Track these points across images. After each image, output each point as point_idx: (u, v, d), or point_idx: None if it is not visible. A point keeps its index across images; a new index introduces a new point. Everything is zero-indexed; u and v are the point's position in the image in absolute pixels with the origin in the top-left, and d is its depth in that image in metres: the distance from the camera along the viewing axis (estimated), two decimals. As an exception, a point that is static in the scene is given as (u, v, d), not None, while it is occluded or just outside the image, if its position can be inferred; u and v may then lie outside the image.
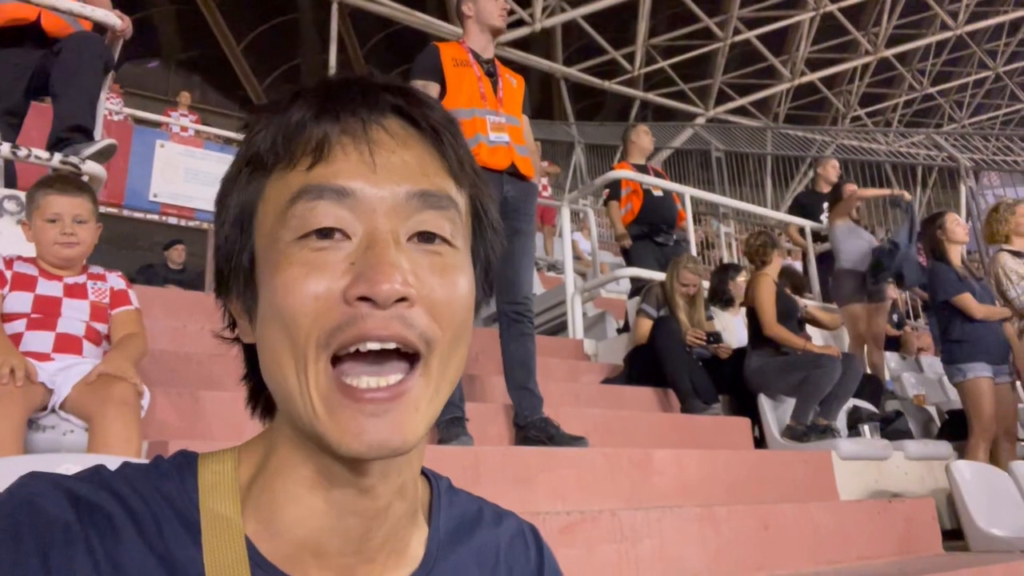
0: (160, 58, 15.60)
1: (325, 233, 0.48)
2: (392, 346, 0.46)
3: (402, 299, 0.46)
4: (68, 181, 2.24)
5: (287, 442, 0.52)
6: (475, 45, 2.92)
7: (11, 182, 2.97)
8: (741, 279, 4.46)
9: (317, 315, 0.46)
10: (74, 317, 2.08)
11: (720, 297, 4.47)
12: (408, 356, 0.47)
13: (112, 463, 0.53)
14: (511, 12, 13.64)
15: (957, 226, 4.04)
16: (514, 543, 0.64)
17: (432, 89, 2.74)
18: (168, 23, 15.31)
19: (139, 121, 8.27)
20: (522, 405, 2.80)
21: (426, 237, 0.50)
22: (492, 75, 2.87)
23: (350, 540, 0.52)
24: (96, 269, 2.24)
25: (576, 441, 2.69)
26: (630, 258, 5.16)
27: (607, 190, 5.34)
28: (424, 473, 0.61)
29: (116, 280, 2.24)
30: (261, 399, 0.58)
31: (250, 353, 0.56)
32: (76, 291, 2.13)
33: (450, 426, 2.59)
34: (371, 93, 0.51)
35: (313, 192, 0.48)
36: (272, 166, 0.50)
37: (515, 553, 0.63)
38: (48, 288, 2.09)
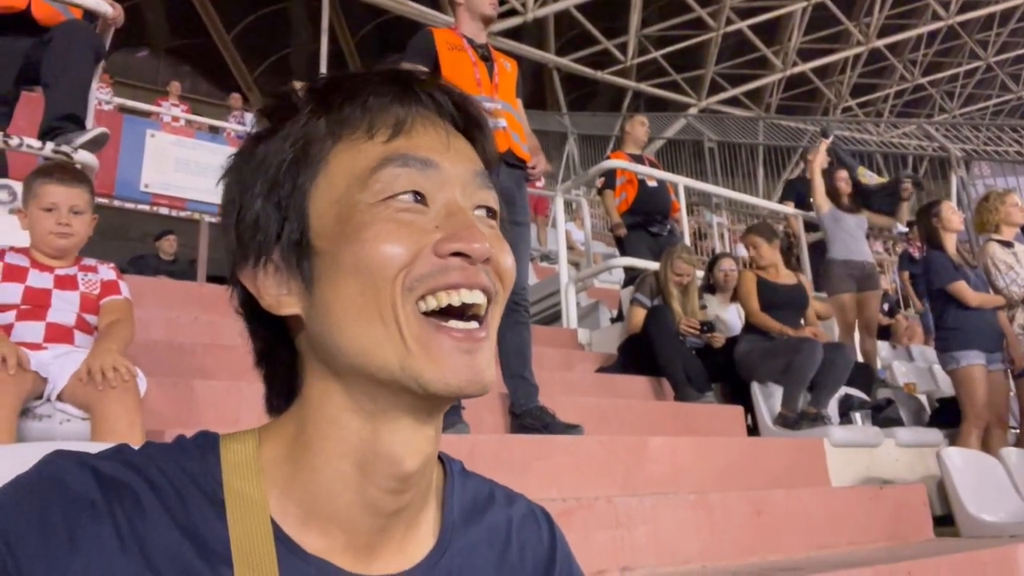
0: (149, 47, 15.47)
1: (412, 198, 0.52)
2: (479, 299, 0.51)
3: (486, 260, 0.51)
4: (67, 171, 2.22)
5: (332, 414, 0.52)
6: (468, 32, 2.91)
7: (2, 171, 2.95)
8: (727, 265, 4.51)
9: (408, 264, 0.50)
10: (64, 308, 2.07)
11: (708, 286, 4.50)
12: (474, 318, 0.51)
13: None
14: (503, 1, 13.60)
15: (953, 215, 4.06)
16: (525, 524, 0.65)
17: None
18: (157, 11, 15.16)
19: (129, 111, 8.21)
20: (518, 393, 2.80)
21: (488, 211, 0.55)
22: (487, 59, 2.86)
23: (378, 515, 0.53)
24: (88, 261, 2.24)
25: (571, 429, 2.70)
26: (624, 247, 5.17)
27: (602, 179, 5.34)
28: (438, 455, 0.62)
29: (107, 271, 2.23)
30: (281, 382, 0.58)
31: (273, 331, 0.56)
32: (66, 283, 2.12)
33: (446, 414, 2.59)
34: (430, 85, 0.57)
35: (399, 160, 0.52)
36: (341, 136, 0.53)
37: (527, 533, 0.64)
38: (39, 280, 2.08)
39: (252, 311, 0.56)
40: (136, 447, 0.52)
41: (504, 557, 0.61)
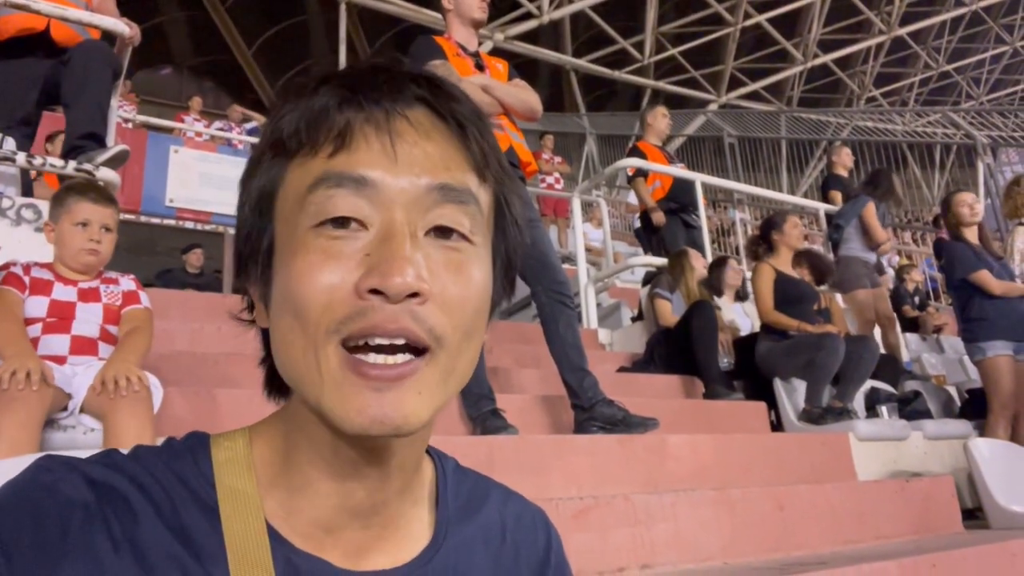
0: (172, 64, 15.74)
1: (342, 222, 0.48)
2: (400, 341, 0.47)
3: (414, 295, 0.46)
4: (99, 190, 2.27)
5: (301, 422, 0.53)
6: (460, 38, 2.92)
7: (27, 191, 3.02)
8: (734, 267, 4.50)
9: (328, 305, 0.46)
10: (88, 320, 2.12)
11: (712, 287, 4.48)
12: (417, 350, 0.48)
13: None
14: (518, 5, 13.63)
15: (961, 208, 4.00)
16: (521, 524, 0.64)
17: (448, 67, 2.72)
18: (179, 29, 15.44)
19: (154, 128, 8.35)
20: (584, 386, 2.72)
21: (443, 232, 0.50)
22: (481, 68, 2.88)
23: (358, 516, 0.53)
24: (110, 273, 2.28)
25: (648, 423, 2.64)
26: (662, 235, 5.11)
27: (632, 168, 5.26)
28: (430, 453, 0.62)
29: (128, 282, 2.27)
30: (276, 381, 0.59)
31: (267, 337, 0.57)
32: (89, 295, 2.16)
33: (490, 418, 2.59)
34: (397, 82, 0.51)
35: (332, 180, 0.48)
36: (294, 152, 0.50)
37: (522, 533, 0.64)
38: (63, 293, 2.13)
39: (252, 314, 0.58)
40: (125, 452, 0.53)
41: (499, 556, 0.61)
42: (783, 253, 4.03)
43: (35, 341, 2.03)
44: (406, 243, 0.47)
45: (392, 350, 0.47)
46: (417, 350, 0.47)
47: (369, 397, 0.46)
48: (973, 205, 4.00)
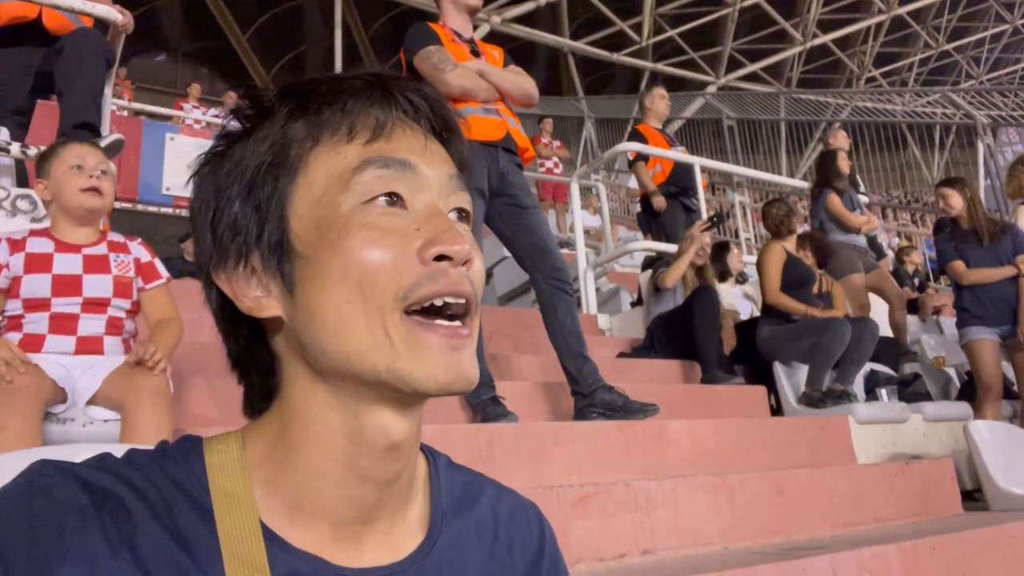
0: (167, 51, 15.65)
1: (392, 200, 0.52)
2: (463, 301, 0.51)
3: (466, 261, 0.52)
4: (88, 140, 2.18)
5: (307, 419, 0.53)
6: (454, 25, 2.87)
7: (22, 181, 3.01)
8: (735, 253, 4.49)
9: (396, 273, 0.50)
10: (95, 303, 2.00)
11: (719, 272, 4.48)
12: (461, 316, 0.52)
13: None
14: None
15: (949, 199, 4.04)
16: (515, 518, 0.65)
17: (444, 52, 2.68)
18: (173, 15, 15.33)
19: (148, 115, 8.31)
20: (583, 373, 2.72)
21: (461, 213, 0.56)
22: (476, 54, 2.84)
23: (361, 511, 0.54)
24: (116, 237, 2.13)
25: (648, 408, 2.65)
26: (661, 219, 5.08)
27: (633, 152, 5.23)
28: (422, 449, 0.63)
29: (139, 250, 2.14)
30: (260, 384, 0.58)
31: (251, 333, 0.56)
32: (97, 264, 2.03)
33: (490, 406, 2.59)
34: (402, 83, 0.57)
35: (379, 162, 0.52)
36: (320, 140, 0.53)
37: (516, 528, 0.64)
38: (66, 264, 1.99)
39: (227, 313, 0.56)
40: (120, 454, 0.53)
41: (493, 550, 0.62)
42: (789, 237, 4.03)
43: (39, 339, 1.94)
44: (450, 219, 0.53)
45: (451, 317, 0.51)
46: (461, 316, 0.52)
47: (450, 355, 0.50)
48: (948, 199, 4.02)
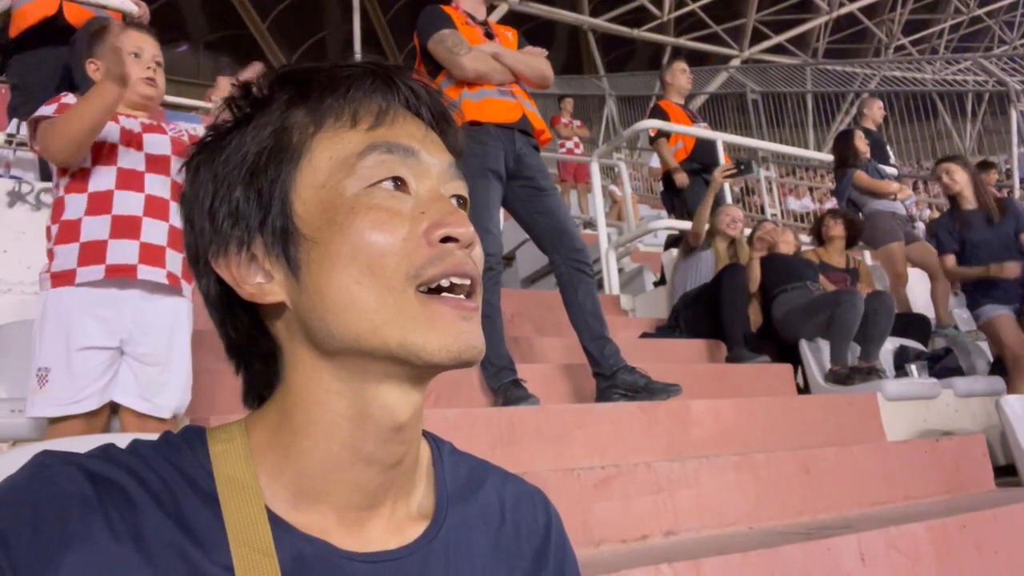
0: (188, 41, 15.75)
1: (397, 183, 0.53)
2: (468, 281, 0.53)
3: (468, 244, 0.54)
4: (145, 27, 2.13)
5: (311, 405, 0.53)
6: (468, 7, 2.85)
7: (46, 175, 3.05)
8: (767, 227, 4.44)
9: (406, 253, 0.51)
10: (156, 159, 1.94)
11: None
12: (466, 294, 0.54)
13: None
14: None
15: (951, 177, 4.01)
16: (521, 504, 0.65)
17: (458, 36, 2.66)
18: (193, 5, 15.42)
19: (171, 107, 8.37)
20: (605, 354, 2.72)
21: (459, 199, 0.58)
22: (490, 36, 2.81)
23: (367, 496, 0.54)
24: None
25: (671, 388, 2.64)
26: (684, 196, 5.01)
27: (654, 128, 5.14)
28: (425, 436, 0.63)
29: (190, 127, 2.11)
30: (260, 372, 0.58)
31: (251, 320, 0.57)
32: (153, 128, 2.01)
33: (512, 389, 2.59)
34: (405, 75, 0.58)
35: (384, 147, 0.53)
36: (323, 126, 0.54)
37: (522, 514, 0.65)
38: (127, 122, 1.95)
39: (225, 301, 0.57)
40: (123, 446, 0.53)
41: (499, 535, 0.62)
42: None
43: (108, 197, 1.86)
44: (453, 203, 0.55)
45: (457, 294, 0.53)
46: (466, 296, 0.54)
47: (462, 324, 0.52)
48: (953, 174, 3.98)
